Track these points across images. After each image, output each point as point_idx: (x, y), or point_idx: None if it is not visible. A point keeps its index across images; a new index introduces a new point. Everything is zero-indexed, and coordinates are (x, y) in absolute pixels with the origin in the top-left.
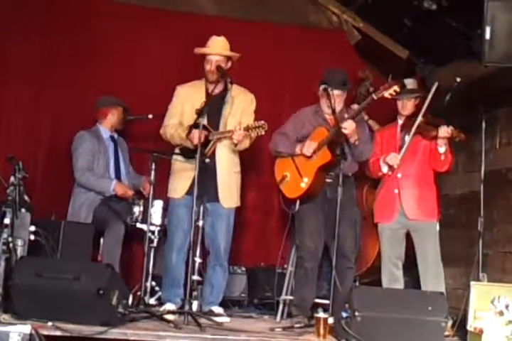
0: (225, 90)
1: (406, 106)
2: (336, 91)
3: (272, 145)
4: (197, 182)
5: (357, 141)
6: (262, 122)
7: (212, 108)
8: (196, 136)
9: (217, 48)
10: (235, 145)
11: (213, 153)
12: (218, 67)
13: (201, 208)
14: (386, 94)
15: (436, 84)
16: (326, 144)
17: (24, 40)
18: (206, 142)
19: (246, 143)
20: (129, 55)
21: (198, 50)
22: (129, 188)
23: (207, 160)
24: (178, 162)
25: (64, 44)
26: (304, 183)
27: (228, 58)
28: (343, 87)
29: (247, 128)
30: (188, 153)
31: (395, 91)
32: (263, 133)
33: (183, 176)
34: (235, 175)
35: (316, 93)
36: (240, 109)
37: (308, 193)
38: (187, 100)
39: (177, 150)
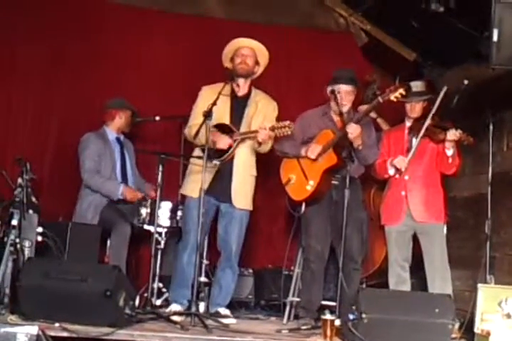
0: (249, 94)
1: (414, 108)
2: (345, 87)
3: (278, 146)
4: (214, 182)
5: (360, 146)
6: (288, 122)
7: (235, 110)
8: (223, 141)
9: (247, 41)
10: (259, 145)
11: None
12: (227, 69)
13: (215, 209)
14: (392, 97)
15: (445, 89)
16: (332, 147)
17: (32, 42)
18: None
19: (268, 145)
20: (136, 57)
21: (228, 48)
22: (138, 192)
23: (215, 162)
24: (197, 161)
25: (71, 46)
26: (310, 186)
27: (256, 62)
28: (352, 82)
29: (273, 128)
30: (209, 154)
31: (400, 94)
32: (289, 133)
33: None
34: (251, 178)
35: (323, 95)
36: (262, 113)
37: (314, 196)
38: (211, 100)
39: (196, 152)
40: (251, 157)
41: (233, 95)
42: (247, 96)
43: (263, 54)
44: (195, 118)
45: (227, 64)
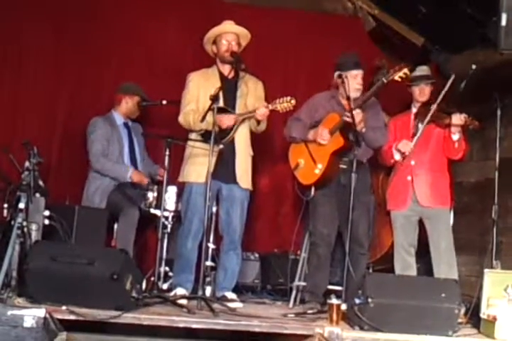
0: (236, 76)
1: (423, 92)
2: (353, 72)
3: (287, 130)
4: (217, 165)
5: (363, 129)
6: (289, 98)
7: (227, 92)
8: (226, 121)
9: (232, 27)
10: (258, 123)
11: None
12: (232, 53)
13: (216, 194)
14: (396, 77)
15: (453, 77)
16: (339, 129)
17: (40, 26)
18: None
19: (265, 124)
20: (144, 41)
21: (211, 33)
22: (145, 176)
23: (221, 146)
24: (197, 145)
25: (80, 30)
26: (318, 169)
27: (239, 44)
28: (359, 66)
29: (275, 104)
30: (210, 137)
31: (405, 74)
32: (291, 108)
33: (205, 160)
34: (250, 158)
35: (330, 79)
36: (253, 93)
37: (323, 179)
38: (202, 86)
39: (193, 135)
40: (248, 137)
41: (222, 78)
42: (235, 77)
43: (245, 37)
44: (188, 104)
45: (208, 46)
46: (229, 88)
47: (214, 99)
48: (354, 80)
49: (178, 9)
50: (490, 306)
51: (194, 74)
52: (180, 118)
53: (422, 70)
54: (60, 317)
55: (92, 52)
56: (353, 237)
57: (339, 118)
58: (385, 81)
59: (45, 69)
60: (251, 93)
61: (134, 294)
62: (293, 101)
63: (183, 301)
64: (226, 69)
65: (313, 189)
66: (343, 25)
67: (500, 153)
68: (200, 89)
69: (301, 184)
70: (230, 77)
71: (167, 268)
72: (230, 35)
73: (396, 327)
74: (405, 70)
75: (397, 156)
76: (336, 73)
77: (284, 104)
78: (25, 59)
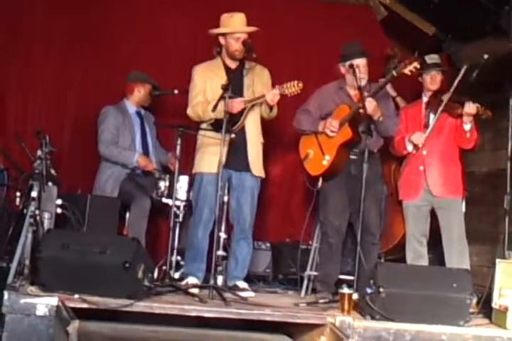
0: (241, 65)
1: (435, 79)
2: (361, 60)
3: (296, 123)
4: (229, 153)
5: (381, 117)
6: (297, 82)
7: (233, 82)
8: (236, 105)
9: (245, 26)
10: (270, 109)
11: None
12: (244, 42)
13: (226, 183)
14: (406, 71)
15: (465, 67)
16: (348, 121)
17: (51, 14)
18: (241, 112)
19: (276, 109)
20: (154, 30)
21: (222, 30)
22: (152, 162)
23: (233, 135)
24: (208, 135)
25: (90, 19)
26: (326, 161)
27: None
28: (366, 55)
29: (282, 88)
30: (220, 126)
31: (415, 67)
32: (299, 92)
33: (216, 150)
34: (261, 145)
35: (339, 70)
36: (259, 81)
37: (330, 170)
38: (208, 78)
39: (204, 125)
40: (259, 124)
41: (227, 69)
42: (241, 67)
43: (253, 31)
44: (196, 96)
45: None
46: (235, 78)
47: (225, 88)
48: (361, 69)
49: None
50: (502, 296)
51: (199, 67)
52: (189, 111)
53: (433, 58)
54: (72, 305)
55: (103, 41)
56: (365, 227)
57: (349, 110)
58: (395, 74)
59: (55, 59)
60: (257, 81)
61: (145, 283)
62: (300, 85)
63: (195, 290)
64: (235, 63)
65: (320, 180)
66: (354, 14)
67: None
68: (206, 81)
69: (310, 175)
70: (235, 67)
71: (179, 257)
72: (242, 34)
73: (407, 317)
74: (416, 64)
75: (410, 148)
76: (347, 63)
77: (292, 88)
78: (36, 48)
